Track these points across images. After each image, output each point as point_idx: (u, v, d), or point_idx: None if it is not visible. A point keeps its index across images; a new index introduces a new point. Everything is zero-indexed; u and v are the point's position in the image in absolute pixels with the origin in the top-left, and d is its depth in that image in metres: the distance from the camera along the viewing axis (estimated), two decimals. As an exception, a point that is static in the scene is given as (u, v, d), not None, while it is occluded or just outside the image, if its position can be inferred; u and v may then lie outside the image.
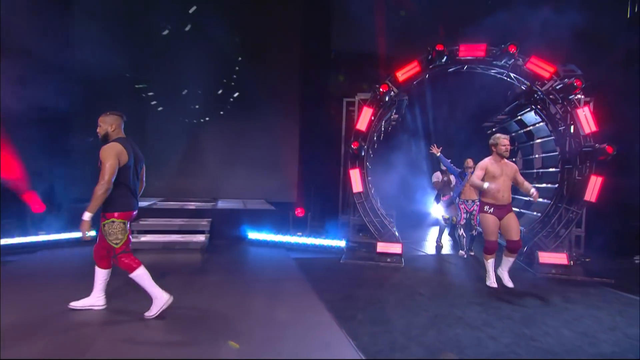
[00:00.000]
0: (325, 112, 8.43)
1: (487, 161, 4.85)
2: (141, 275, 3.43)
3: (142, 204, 7.86)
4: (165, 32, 9.28)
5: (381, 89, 6.25)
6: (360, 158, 6.34)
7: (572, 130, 6.27)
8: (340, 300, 4.19)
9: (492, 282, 4.92)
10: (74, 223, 5.60)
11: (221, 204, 8.36)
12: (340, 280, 5.04)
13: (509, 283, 4.85)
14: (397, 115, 7.58)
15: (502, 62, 6.46)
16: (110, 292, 3.81)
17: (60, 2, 8.27)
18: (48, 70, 7.27)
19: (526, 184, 4.86)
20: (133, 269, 3.41)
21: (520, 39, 6.62)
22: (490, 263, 4.98)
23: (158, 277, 4.68)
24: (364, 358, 2.89)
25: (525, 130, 8.14)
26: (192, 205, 8.04)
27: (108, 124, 3.57)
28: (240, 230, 7.23)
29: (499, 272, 4.94)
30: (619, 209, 6.91)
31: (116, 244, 3.41)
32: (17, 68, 6.43)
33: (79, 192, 7.25)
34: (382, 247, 5.98)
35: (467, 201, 6.57)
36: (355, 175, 6.29)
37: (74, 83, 8.32)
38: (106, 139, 3.53)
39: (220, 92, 9.68)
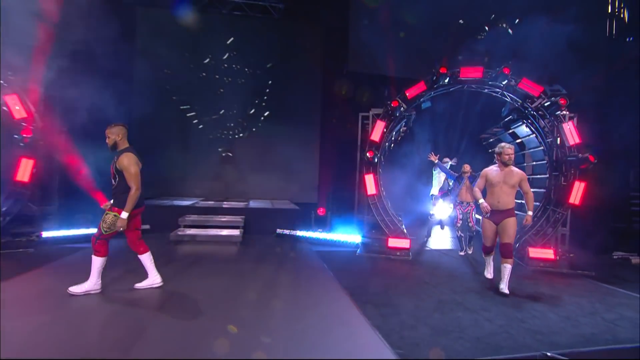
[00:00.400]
0: (343, 125, 8.65)
1: (488, 169, 4.65)
2: (97, 260, 3.65)
3: (186, 202, 8.23)
4: (206, 61, 9.67)
5: (392, 105, 6.46)
6: (374, 165, 6.54)
7: (558, 142, 6.36)
8: (356, 286, 4.38)
9: (489, 273, 4.82)
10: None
11: (252, 204, 8.65)
12: (356, 270, 5.24)
13: (505, 289, 4.34)
14: (405, 128, 7.76)
15: (498, 82, 6.60)
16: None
17: (127, 31, 8.76)
18: (114, 82, 7.76)
19: (528, 197, 4.52)
20: (99, 254, 3.63)
21: (513, 57, 6.78)
22: (488, 259, 4.86)
23: (201, 263, 5.03)
24: (378, 334, 3.08)
25: (517, 141, 8.20)
26: (228, 204, 8.35)
27: (115, 134, 3.68)
28: (269, 225, 7.50)
29: (500, 288, 4.37)
30: (599, 210, 6.94)
31: (106, 231, 3.59)
32: (86, 78, 6.84)
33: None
34: (392, 242, 6.14)
35: (463, 203, 6.51)
36: (369, 179, 6.49)
37: (133, 95, 8.86)
38: (115, 148, 3.70)
39: (252, 111, 10.01)
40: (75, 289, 3.63)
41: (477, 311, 3.76)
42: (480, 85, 6.78)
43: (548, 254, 5.78)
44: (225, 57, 9.72)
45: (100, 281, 3.71)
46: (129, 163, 3.57)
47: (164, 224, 7.01)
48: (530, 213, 4.51)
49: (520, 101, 6.72)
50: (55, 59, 6.54)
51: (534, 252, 5.88)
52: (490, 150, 9.17)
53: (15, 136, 5.71)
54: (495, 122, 8.22)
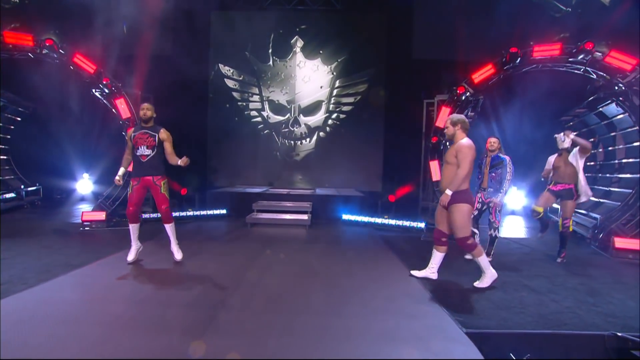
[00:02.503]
0: (406, 113, 8.76)
1: None
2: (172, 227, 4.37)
3: (257, 189, 9.11)
4: (273, 58, 10.43)
5: (458, 91, 6.47)
6: (439, 151, 6.63)
7: (656, 121, 5.79)
8: (420, 266, 4.62)
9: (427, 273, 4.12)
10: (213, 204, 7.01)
11: (319, 191, 9.22)
12: (420, 252, 5.43)
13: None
14: (473, 113, 7.62)
15: (579, 58, 6.18)
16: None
17: (202, 35, 9.90)
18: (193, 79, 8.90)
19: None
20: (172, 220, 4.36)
21: (598, 33, 6.27)
22: (435, 254, 4.12)
23: (276, 245, 5.67)
24: (437, 304, 3.35)
25: (606, 122, 7.53)
26: (295, 191, 9.04)
27: (152, 110, 4.26)
28: (335, 212, 7.99)
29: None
30: None
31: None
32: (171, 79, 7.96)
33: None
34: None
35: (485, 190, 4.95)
36: (434, 166, 6.61)
37: (209, 92, 10.00)
38: (148, 122, 4.24)
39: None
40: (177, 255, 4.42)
41: (544, 293, 3.78)
42: (558, 63, 6.41)
43: (636, 244, 5.36)
44: (290, 54, 10.36)
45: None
46: (169, 136, 4.27)
47: (239, 209, 7.91)
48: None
49: (609, 77, 6.21)
50: (147, 65, 7.79)
51: (621, 243, 5.49)
52: (576, 133, 8.52)
53: (123, 133, 6.93)
54: (578, 103, 7.66)
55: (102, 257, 4.60)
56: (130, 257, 4.36)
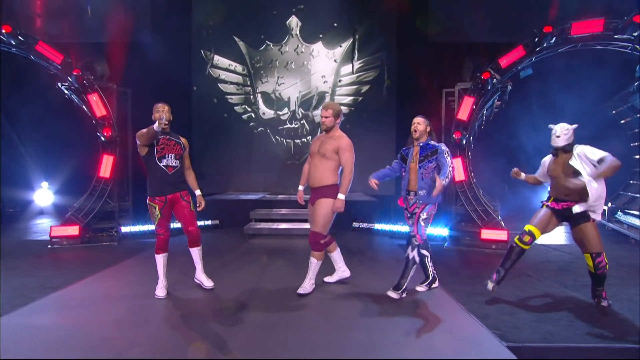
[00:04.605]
0: (422, 105, 8.86)
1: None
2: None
3: (252, 196, 9.21)
4: (266, 45, 10.59)
5: (482, 77, 6.61)
6: (462, 147, 6.76)
7: None
8: (447, 276, 4.75)
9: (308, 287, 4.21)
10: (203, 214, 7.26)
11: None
12: (445, 261, 5.58)
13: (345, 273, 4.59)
14: (500, 102, 7.77)
15: (626, 34, 6.30)
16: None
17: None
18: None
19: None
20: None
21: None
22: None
23: (284, 257, 5.76)
24: (473, 317, 3.46)
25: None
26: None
27: (170, 113, 4.01)
28: (344, 219, 8.07)
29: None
30: None
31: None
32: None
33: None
34: (486, 233, 6.32)
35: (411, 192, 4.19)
36: (457, 164, 6.72)
37: (194, 92, 10.15)
38: (166, 127, 3.96)
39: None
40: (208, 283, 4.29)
41: (594, 305, 3.85)
42: (601, 41, 6.54)
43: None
44: (286, 38, 10.52)
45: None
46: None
47: (234, 218, 8.04)
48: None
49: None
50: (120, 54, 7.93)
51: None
52: (622, 121, 8.69)
53: (98, 134, 7.03)
54: (624, 86, 7.84)
55: (85, 276, 4.66)
56: (162, 292, 4.00)
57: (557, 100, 8.62)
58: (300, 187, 4.54)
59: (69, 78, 6.84)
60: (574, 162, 3.65)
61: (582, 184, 3.61)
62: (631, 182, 8.48)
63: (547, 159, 3.97)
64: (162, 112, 3.87)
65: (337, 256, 4.55)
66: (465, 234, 6.71)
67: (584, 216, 3.70)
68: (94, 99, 6.92)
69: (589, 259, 3.76)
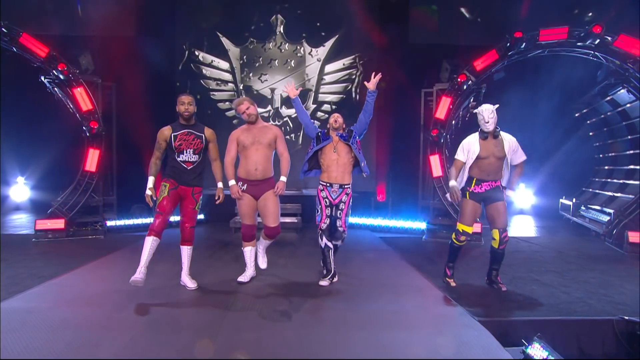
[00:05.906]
0: (403, 104, 9.28)
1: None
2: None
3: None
4: (248, 43, 10.81)
5: (459, 79, 7.04)
6: (440, 144, 7.17)
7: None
8: (426, 264, 5.14)
9: (246, 276, 4.37)
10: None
11: (306, 192, 9.62)
12: (424, 252, 5.98)
13: (263, 264, 4.51)
14: (475, 103, 8.23)
15: (587, 42, 6.84)
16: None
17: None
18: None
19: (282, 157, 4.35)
20: None
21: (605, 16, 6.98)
22: (247, 251, 4.43)
23: (270, 250, 5.86)
24: (449, 297, 3.82)
25: (619, 109, 8.22)
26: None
27: (195, 104, 3.99)
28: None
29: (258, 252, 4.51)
30: None
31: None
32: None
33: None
34: (461, 226, 6.71)
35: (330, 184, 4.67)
36: (435, 160, 7.13)
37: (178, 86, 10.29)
38: (189, 119, 3.96)
39: (299, 90, 10.92)
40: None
41: (555, 287, 4.32)
42: (566, 48, 7.08)
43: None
44: (270, 36, 10.76)
45: None
46: (214, 135, 4.12)
47: (218, 212, 8.20)
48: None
49: (619, 62, 6.91)
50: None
51: (635, 237, 6.16)
52: (588, 122, 9.30)
53: (84, 127, 7.11)
54: (588, 90, 8.41)
55: (77, 266, 4.82)
56: (139, 276, 3.70)
57: (529, 101, 9.16)
58: (232, 182, 4.20)
59: (53, 71, 6.89)
60: (507, 147, 4.08)
61: (502, 165, 4.12)
62: (594, 179, 9.12)
63: (473, 141, 4.16)
64: (186, 104, 3.90)
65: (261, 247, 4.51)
66: (442, 227, 7.11)
67: (499, 195, 4.14)
68: (79, 92, 7.01)
69: (497, 233, 4.16)
